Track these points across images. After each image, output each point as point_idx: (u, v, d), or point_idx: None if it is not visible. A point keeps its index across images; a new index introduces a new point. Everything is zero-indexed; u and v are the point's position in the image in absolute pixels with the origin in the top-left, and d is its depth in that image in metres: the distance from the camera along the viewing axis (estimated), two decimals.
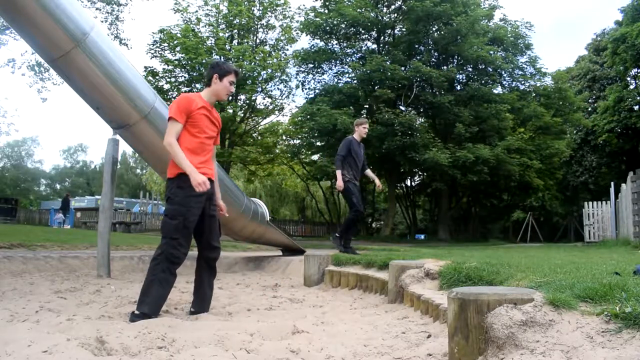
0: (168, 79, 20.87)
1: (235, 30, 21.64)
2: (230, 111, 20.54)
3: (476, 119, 21.24)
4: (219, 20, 21.48)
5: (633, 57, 22.72)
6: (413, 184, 29.60)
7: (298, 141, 23.86)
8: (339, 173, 6.23)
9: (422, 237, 25.38)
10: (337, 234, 6.39)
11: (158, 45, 20.37)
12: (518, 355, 1.59)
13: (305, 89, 24.90)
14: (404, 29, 23.73)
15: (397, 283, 3.71)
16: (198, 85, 21.36)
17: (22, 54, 17.89)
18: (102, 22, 17.40)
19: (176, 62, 20.23)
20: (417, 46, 23.51)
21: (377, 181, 6.92)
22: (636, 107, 26.28)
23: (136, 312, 2.98)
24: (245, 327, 2.76)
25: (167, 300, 3.87)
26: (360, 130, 6.71)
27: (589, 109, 29.72)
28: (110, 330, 2.52)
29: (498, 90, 24.71)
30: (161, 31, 20.17)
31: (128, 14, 19.40)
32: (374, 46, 24.23)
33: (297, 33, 22.76)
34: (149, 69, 20.48)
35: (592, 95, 30.06)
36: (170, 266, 3.11)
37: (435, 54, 23.66)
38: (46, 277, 5.40)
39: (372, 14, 22.36)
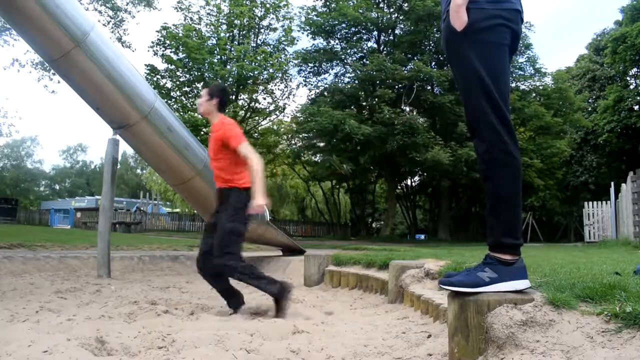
0: (169, 78, 20.86)
1: (236, 31, 21.65)
2: (231, 111, 20.53)
3: None
4: (220, 20, 21.48)
5: (633, 57, 22.72)
6: (413, 184, 29.60)
7: (299, 142, 23.87)
8: None
9: (422, 237, 25.37)
10: None
11: (161, 43, 20.33)
12: (518, 355, 1.59)
13: (307, 88, 24.97)
14: (405, 29, 23.74)
15: (397, 283, 3.71)
16: (199, 85, 21.35)
17: (25, 52, 17.87)
18: (104, 25, 17.42)
19: (178, 61, 20.22)
20: (418, 46, 23.50)
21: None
22: (636, 107, 26.26)
23: None
24: (245, 327, 2.76)
25: (167, 300, 3.89)
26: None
27: (589, 109, 29.71)
28: (110, 330, 2.52)
29: None
30: (164, 28, 20.14)
31: (132, 19, 19.44)
32: (375, 46, 24.24)
33: (298, 33, 22.78)
34: (150, 66, 20.44)
35: (592, 95, 30.05)
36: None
37: (436, 54, 23.66)
38: (46, 277, 5.41)
39: (373, 14, 22.37)
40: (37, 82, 18.38)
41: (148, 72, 20.06)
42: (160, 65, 20.74)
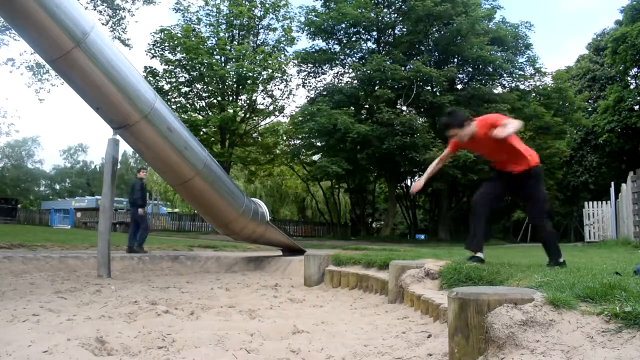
0: (168, 79, 20.87)
1: (236, 31, 21.65)
2: (231, 111, 20.54)
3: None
4: (220, 21, 21.49)
5: (633, 57, 22.71)
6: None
7: (298, 142, 23.87)
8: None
9: (422, 237, 25.38)
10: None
11: (159, 45, 20.35)
12: (518, 355, 1.59)
13: (306, 88, 24.97)
14: (404, 29, 23.73)
15: (397, 283, 3.71)
16: (199, 86, 21.36)
17: (21, 54, 17.96)
18: (103, 24, 17.45)
19: (176, 62, 20.22)
20: (417, 46, 23.49)
21: None
22: (636, 107, 26.25)
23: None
24: (245, 327, 2.77)
25: (167, 300, 3.89)
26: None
27: (589, 109, 29.71)
28: (110, 330, 2.52)
29: (498, 90, 24.71)
30: (162, 31, 20.17)
31: (132, 17, 19.50)
32: (374, 46, 24.23)
33: (297, 33, 22.78)
34: (149, 69, 20.48)
35: (592, 95, 30.05)
36: None
37: (436, 54, 23.64)
38: (46, 277, 5.41)
39: (372, 14, 22.36)
40: (28, 87, 18.60)
41: (147, 74, 20.04)
42: (159, 67, 20.79)
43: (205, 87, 21.15)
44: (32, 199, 52.66)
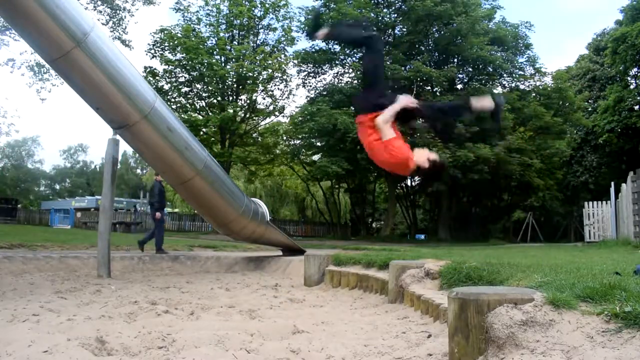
0: (168, 79, 20.87)
1: (236, 31, 21.65)
2: (231, 111, 20.53)
3: (476, 119, 21.23)
4: (220, 21, 21.49)
5: (633, 57, 22.71)
6: (413, 183, 29.56)
7: (298, 141, 23.87)
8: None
9: (423, 237, 25.37)
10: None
11: (159, 45, 20.35)
12: (518, 355, 1.59)
13: (306, 88, 24.98)
14: (404, 29, 23.75)
15: (397, 283, 3.71)
16: (199, 86, 21.36)
17: (22, 53, 17.91)
18: (103, 24, 17.43)
19: (176, 62, 20.22)
20: (417, 46, 23.50)
21: None
22: (636, 107, 26.23)
23: None
24: (245, 327, 2.77)
25: (167, 300, 3.89)
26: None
27: (589, 109, 29.71)
28: (110, 330, 2.52)
29: (498, 90, 24.70)
30: (162, 31, 20.16)
31: (132, 17, 19.48)
32: None
33: (297, 33, 22.78)
34: (149, 69, 20.48)
35: (592, 95, 30.05)
36: None
37: (436, 54, 23.65)
38: (46, 277, 5.41)
39: (372, 14, 22.37)
40: (29, 87, 18.64)
41: (147, 74, 20.03)
42: (159, 67, 20.78)
43: (205, 87, 21.15)
44: (32, 199, 52.63)
